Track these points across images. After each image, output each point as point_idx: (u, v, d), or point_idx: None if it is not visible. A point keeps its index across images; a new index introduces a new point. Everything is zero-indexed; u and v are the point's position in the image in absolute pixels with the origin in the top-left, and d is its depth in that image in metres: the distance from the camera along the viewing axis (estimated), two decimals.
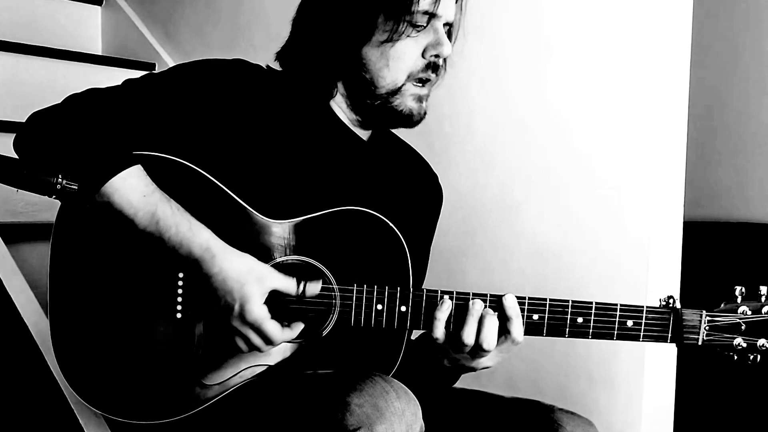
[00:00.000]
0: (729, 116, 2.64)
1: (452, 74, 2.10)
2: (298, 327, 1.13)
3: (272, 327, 1.10)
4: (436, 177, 1.45)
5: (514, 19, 1.95)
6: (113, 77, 2.78)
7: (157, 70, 2.96)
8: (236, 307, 1.09)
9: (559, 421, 1.19)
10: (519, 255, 1.93)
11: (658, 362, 1.79)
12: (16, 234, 2.12)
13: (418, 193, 1.40)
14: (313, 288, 1.13)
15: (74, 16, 3.13)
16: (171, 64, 2.96)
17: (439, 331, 1.14)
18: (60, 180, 1.08)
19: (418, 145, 1.43)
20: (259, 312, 1.09)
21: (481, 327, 1.12)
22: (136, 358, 1.16)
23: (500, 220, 1.98)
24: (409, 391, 1.05)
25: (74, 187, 1.08)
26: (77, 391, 1.17)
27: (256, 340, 1.11)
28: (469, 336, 1.12)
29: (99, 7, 3.20)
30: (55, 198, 1.08)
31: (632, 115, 1.76)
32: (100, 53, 3.14)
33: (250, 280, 1.10)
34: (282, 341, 1.12)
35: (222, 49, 1.32)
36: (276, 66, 1.31)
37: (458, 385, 1.38)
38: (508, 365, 1.99)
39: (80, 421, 1.61)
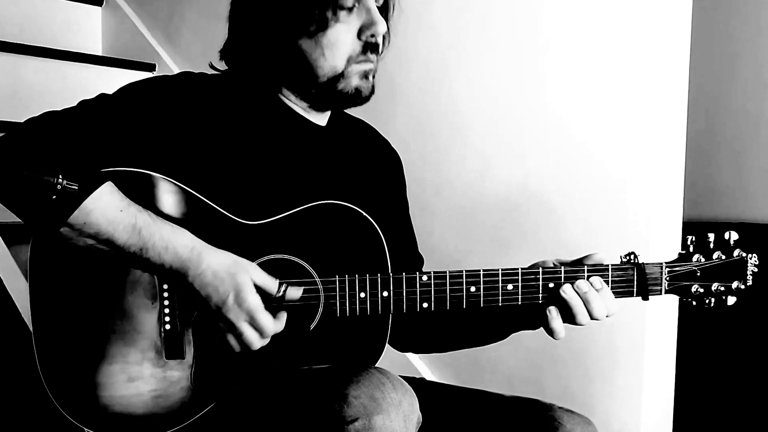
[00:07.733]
0: (729, 116, 2.64)
1: (452, 74, 2.11)
2: (283, 316, 1.14)
3: (265, 318, 1.11)
4: (388, 143, 1.45)
5: (512, 19, 1.96)
6: (113, 77, 2.82)
7: (157, 71, 2.97)
8: (231, 296, 1.10)
9: (559, 420, 1.19)
10: (519, 255, 1.93)
11: (657, 361, 1.79)
12: (17, 234, 2.12)
13: (380, 167, 1.41)
14: (294, 293, 1.14)
15: (74, 16, 3.14)
16: (171, 64, 2.96)
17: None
18: (60, 180, 1.05)
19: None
20: (254, 300, 1.10)
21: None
22: (126, 375, 1.16)
23: (500, 221, 1.98)
24: (405, 382, 1.05)
25: (74, 187, 1.06)
26: (74, 417, 1.17)
27: (250, 333, 1.11)
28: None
29: (99, 8, 3.21)
30: (55, 198, 1.05)
31: (631, 115, 1.77)
32: (100, 54, 3.15)
33: (239, 270, 1.11)
34: (273, 332, 1.13)
35: None
36: (221, 65, 1.30)
37: (458, 383, 1.38)
38: (508, 364, 1.99)
39: None
